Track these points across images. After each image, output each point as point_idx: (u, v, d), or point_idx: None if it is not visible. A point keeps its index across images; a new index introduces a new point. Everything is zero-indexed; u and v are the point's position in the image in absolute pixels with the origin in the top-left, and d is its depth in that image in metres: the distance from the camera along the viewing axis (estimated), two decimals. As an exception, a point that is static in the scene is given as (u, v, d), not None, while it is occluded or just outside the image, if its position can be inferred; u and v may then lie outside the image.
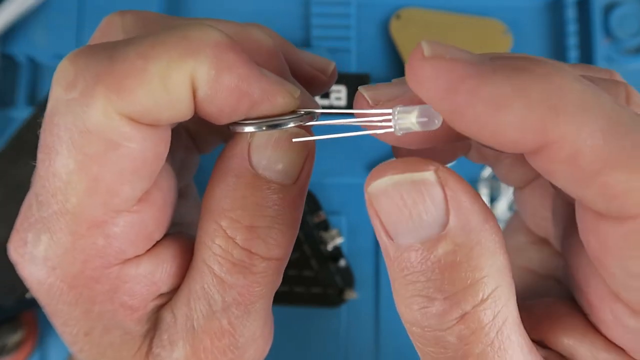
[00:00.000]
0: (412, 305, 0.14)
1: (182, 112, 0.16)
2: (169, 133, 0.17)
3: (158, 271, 0.17)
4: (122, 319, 0.17)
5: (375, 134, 0.17)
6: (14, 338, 0.40)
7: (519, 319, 0.15)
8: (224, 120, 0.16)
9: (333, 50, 0.44)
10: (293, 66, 0.20)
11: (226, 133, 0.17)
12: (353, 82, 0.42)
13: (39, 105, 0.42)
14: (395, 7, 0.45)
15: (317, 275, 0.41)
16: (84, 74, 0.15)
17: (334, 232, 0.41)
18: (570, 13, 0.45)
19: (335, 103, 0.41)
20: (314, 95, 0.21)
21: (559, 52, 0.45)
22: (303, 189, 0.18)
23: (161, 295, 0.18)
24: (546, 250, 0.22)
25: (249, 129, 0.17)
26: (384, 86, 0.17)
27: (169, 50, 0.15)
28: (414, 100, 0.16)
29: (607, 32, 0.44)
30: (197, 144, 0.23)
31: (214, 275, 0.17)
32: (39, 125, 0.17)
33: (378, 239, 0.15)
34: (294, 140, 0.17)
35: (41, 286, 0.16)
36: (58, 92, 0.15)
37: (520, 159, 0.21)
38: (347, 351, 0.42)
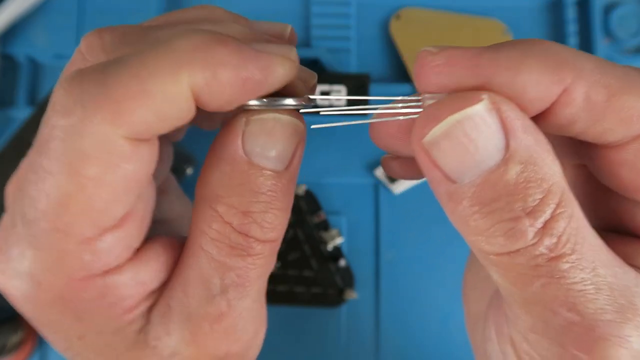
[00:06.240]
0: (494, 235, 0.15)
1: (185, 117, 0.16)
2: (157, 144, 0.17)
3: (142, 272, 0.18)
4: (114, 320, 0.17)
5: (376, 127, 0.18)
6: (14, 338, 0.39)
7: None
8: (231, 107, 0.17)
9: (333, 50, 0.44)
10: None
11: (199, 117, 0.17)
12: (353, 82, 0.42)
13: (39, 105, 0.42)
14: (395, 7, 0.45)
15: (317, 275, 0.41)
16: (82, 101, 0.15)
17: (334, 232, 0.41)
18: (570, 13, 0.45)
19: (335, 103, 0.41)
20: None
21: (559, 52, 0.45)
22: (294, 174, 0.18)
23: (152, 292, 0.18)
24: None
25: (253, 104, 0.17)
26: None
27: (160, 66, 0.15)
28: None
29: (607, 32, 0.44)
30: (167, 135, 0.23)
31: (212, 260, 0.17)
32: (39, 126, 0.17)
33: (436, 191, 0.16)
34: (286, 126, 0.17)
35: (27, 300, 0.17)
36: (55, 119, 0.15)
37: None
38: (347, 351, 0.42)
